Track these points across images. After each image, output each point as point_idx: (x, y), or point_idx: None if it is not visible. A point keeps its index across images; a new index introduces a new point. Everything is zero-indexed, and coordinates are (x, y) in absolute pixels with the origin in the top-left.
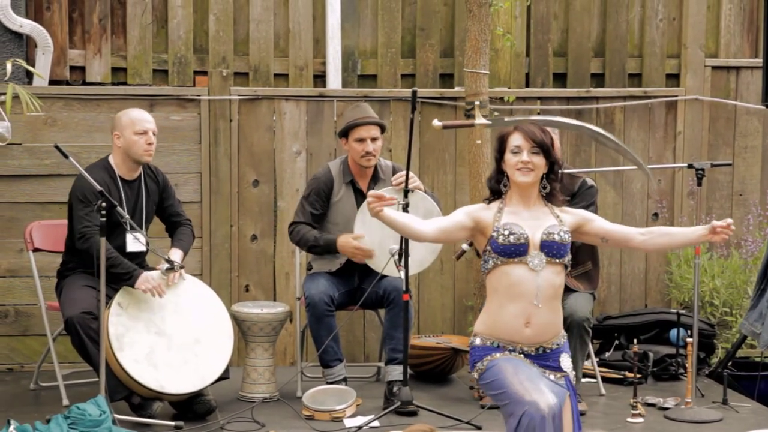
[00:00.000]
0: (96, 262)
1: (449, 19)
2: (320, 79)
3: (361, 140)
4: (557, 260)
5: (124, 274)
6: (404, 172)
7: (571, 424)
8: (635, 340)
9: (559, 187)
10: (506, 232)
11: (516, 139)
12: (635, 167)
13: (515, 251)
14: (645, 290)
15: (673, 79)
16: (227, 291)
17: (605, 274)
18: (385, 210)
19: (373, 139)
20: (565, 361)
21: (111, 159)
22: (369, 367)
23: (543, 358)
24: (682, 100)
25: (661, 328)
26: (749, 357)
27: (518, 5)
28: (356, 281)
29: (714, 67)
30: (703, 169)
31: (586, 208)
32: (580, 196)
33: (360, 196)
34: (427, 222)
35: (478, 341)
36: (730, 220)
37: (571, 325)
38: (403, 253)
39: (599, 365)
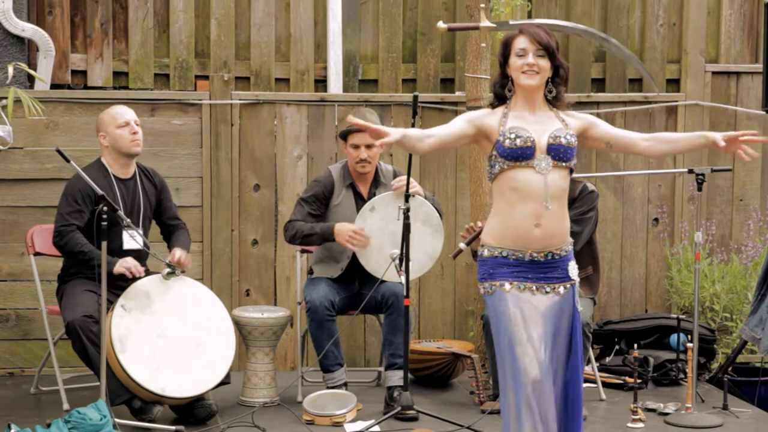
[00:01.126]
0: (72, 259)
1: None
2: (321, 83)
3: (356, 147)
4: (564, 163)
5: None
6: (404, 177)
7: (568, 335)
8: (635, 345)
9: (564, 91)
10: (512, 136)
11: (521, 42)
12: (636, 172)
13: (522, 154)
14: (645, 295)
15: (674, 84)
16: (228, 295)
17: (605, 278)
18: (392, 132)
19: (368, 146)
20: (573, 269)
21: (103, 159)
22: (369, 372)
23: (552, 266)
24: (682, 106)
25: (661, 333)
26: (749, 362)
27: (519, 10)
28: (357, 286)
29: (714, 73)
30: (703, 174)
31: (585, 213)
32: (580, 200)
33: (360, 200)
34: (426, 133)
35: (486, 252)
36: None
37: None
38: (404, 258)
39: (599, 370)
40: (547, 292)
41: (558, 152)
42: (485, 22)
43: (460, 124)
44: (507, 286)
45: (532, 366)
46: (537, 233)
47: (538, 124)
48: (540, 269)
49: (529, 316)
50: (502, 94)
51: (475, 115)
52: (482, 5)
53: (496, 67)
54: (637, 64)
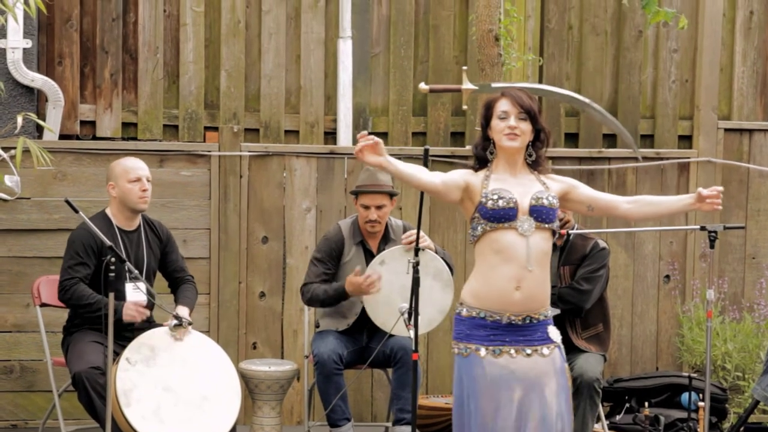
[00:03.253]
0: (79, 311)
1: (461, 78)
2: (331, 136)
3: (366, 207)
4: (546, 225)
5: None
6: (414, 231)
7: (557, 397)
8: (646, 403)
9: (544, 154)
10: (495, 197)
11: (503, 105)
12: (647, 228)
13: (504, 216)
14: (656, 353)
15: (686, 140)
16: (235, 348)
17: (616, 335)
18: (389, 158)
19: (378, 207)
20: (554, 332)
21: (108, 210)
22: (377, 428)
23: (530, 330)
24: (694, 162)
25: (672, 392)
26: (762, 422)
27: (530, 65)
28: (365, 340)
29: (727, 130)
30: (715, 232)
31: (597, 271)
32: (591, 257)
33: (370, 256)
34: (431, 173)
35: (464, 312)
36: (719, 188)
37: (581, 385)
38: (413, 312)
39: (609, 428)
40: (528, 354)
41: (540, 213)
42: (467, 84)
43: (458, 175)
44: (482, 351)
45: None
46: (517, 296)
47: (519, 186)
48: (518, 332)
49: (500, 393)
50: (483, 156)
51: (466, 172)
52: (464, 68)
53: None
54: (620, 131)
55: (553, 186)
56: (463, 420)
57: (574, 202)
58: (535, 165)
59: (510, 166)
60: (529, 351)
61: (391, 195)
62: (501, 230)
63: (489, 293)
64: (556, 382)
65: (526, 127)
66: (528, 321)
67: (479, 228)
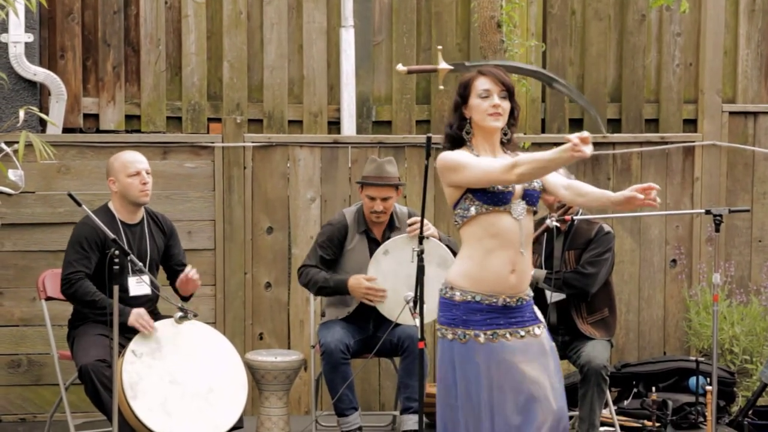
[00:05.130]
0: (83, 307)
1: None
2: (334, 125)
3: (372, 198)
4: (533, 208)
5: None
6: (418, 219)
7: (556, 375)
8: (654, 388)
9: (515, 132)
10: None
11: (483, 83)
12: (652, 213)
13: (502, 199)
14: (664, 337)
15: (690, 124)
16: (241, 339)
17: (623, 321)
18: None
19: (384, 199)
20: (537, 310)
21: (110, 204)
22: (384, 416)
23: (521, 311)
24: (699, 146)
25: (680, 376)
26: None
27: (533, 51)
28: (371, 329)
29: (731, 113)
30: (721, 215)
31: (602, 255)
32: (596, 242)
33: (374, 245)
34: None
35: (458, 296)
36: (653, 185)
37: (588, 372)
38: (419, 300)
39: (617, 413)
40: (522, 336)
41: (531, 197)
42: (443, 64)
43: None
44: (481, 337)
45: None
46: (512, 279)
47: None
48: (511, 314)
49: (503, 377)
50: (459, 136)
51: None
52: (439, 47)
53: None
54: (586, 105)
55: None
56: (449, 403)
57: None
58: (508, 144)
59: (490, 146)
60: (522, 333)
61: (397, 187)
62: (496, 213)
63: (485, 276)
64: (553, 361)
65: (507, 105)
66: (520, 302)
67: (472, 209)
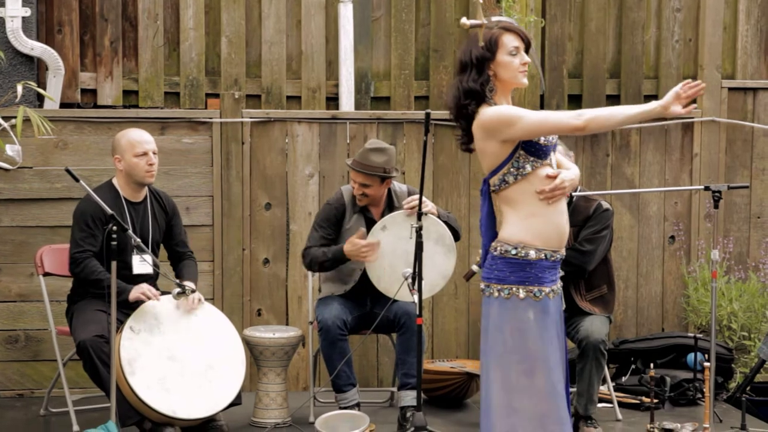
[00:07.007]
0: (89, 286)
1: (463, 41)
2: (333, 101)
3: (354, 181)
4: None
5: (119, 292)
6: (417, 196)
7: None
8: (652, 365)
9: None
10: None
11: (512, 40)
12: (651, 189)
13: (549, 150)
14: (662, 314)
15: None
16: (239, 315)
17: (621, 297)
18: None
19: (363, 185)
20: None
21: (114, 181)
22: (382, 392)
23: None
24: (698, 122)
25: (678, 353)
26: None
27: (533, 27)
28: (369, 305)
29: (731, 89)
30: (719, 192)
31: (599, 232)
32: (594, 219)
33: (372, 223)
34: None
35: (533, 254)
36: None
37: (586, 348)
38: (416, 276)
39: (615, 390)
40: (557, 294)
41: (554, 148)
42: (483, 20)
43: None
44: (551, 294)
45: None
46: (567, 231)
47: None
48: (557, 270)
49: (555, 332)
50: (483, 93)
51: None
52: (481, 0)
53: None
54: (534, 63)
55: None
56: (511, 369)
57: None
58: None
59: (509, 103)
60: (555, 288)
61: (382, 178)
62: (546, 166)
63: (552, 231)
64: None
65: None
66: (560, 257)
67: (528, 166)
